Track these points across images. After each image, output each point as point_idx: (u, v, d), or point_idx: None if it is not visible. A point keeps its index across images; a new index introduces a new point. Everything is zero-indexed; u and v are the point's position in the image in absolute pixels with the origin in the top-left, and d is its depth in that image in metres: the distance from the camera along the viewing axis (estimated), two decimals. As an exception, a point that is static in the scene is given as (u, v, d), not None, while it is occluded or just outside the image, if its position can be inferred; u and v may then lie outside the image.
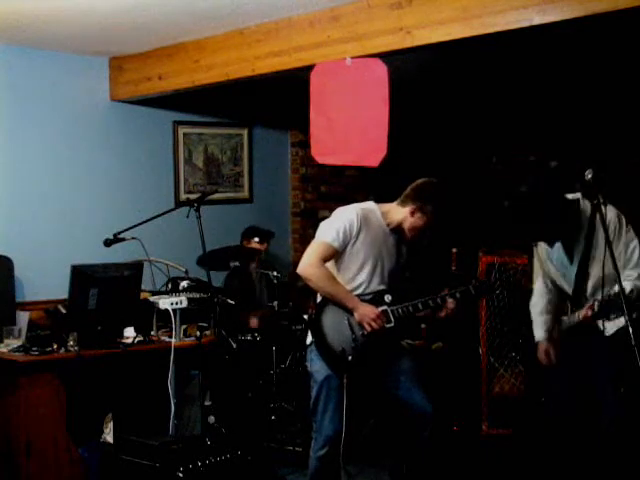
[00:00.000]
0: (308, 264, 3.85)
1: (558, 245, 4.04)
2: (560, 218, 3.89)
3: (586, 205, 3.91)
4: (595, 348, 4.00)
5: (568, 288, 4.06)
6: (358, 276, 3.93)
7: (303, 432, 5.16)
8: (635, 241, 3.89)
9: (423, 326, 6.39)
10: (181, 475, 4.08)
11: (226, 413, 5.06)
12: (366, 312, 3.88)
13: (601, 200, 3.47)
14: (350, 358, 3.85)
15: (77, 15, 4.86)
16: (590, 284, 3.93)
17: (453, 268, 4.15)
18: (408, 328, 4.11)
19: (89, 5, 4.66)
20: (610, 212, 3.82)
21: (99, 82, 6.14)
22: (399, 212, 3.97)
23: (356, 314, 3.88)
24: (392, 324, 3.93)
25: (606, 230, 3.44)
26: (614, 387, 3.95)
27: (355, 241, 3.89)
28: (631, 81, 6.01)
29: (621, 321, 3.78)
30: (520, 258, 5.47)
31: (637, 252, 3.87)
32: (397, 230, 3.98)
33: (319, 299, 3.99)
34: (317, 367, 3.95)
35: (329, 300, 3.92)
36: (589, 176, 3.44)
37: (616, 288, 3.50)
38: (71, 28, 5.20)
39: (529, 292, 4.44)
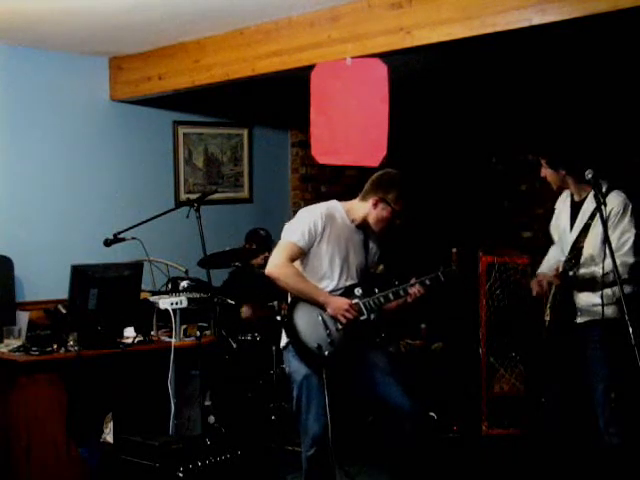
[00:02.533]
0: (275, 264, 3.85)
1: (567, 208, 4.16)
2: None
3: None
4: (590, 348, 4.01)
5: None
6: (326, 274, 3.93)
7: (303, 432, 5.16)
8: (630, 233, 3.93)
9: (423, 326, 6.40)
10: (181, 475, 4.07)
11: (226, 413, 5.06)
12: (338, 304, 3.86)
13: (601, 200, 3.49)
14: (327, 353, 3.83)
15: (77, 15, 4.86)
16: (582, 257, 4.00)
17: (453, 268, 4.13)
18: (381, 321, 4.10)
19: (89, 5, 4.66)
20: (618, 198, 3.93)
21: (99, 82, 6.14)
22: (362, 207, 3.96)
23: (329, 308, 3.86)
24: (365, 316, 3.92)
25: (605, 224, 3.48)
26: (607, 388, 3.97)
27: (320, 240, 3.88)
28: (631, 81, 6.02)
29: (611, 310, 3.84)
30: (520, 258, 5.47)
31: (629, 243, 3.91)
32: (363, 226, 3.99)
33: (289, 299, 3.98)
34: (295, 367, 3.93)
35: (300, 299, 3.91)
36: (589, 176, 3.47)
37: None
38: (71, 28, 5.20)
39: (529, 292, 4.45)
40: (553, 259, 4.29)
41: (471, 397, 5.53)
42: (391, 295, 3.96)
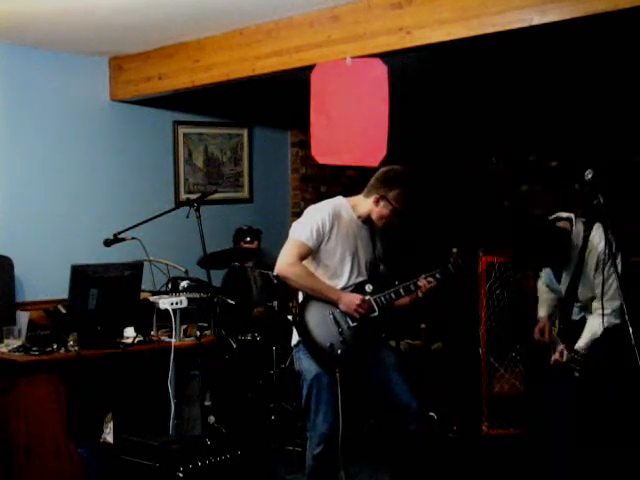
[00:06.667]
0: (285, 263, 3.85)
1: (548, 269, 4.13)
2: (548, 250, 3.97)
3: (579, 228, 3.93)
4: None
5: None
6: (336, 271, 3.93)
7: (303, 432, 5.16)
8: (614, 276, 3.76)
9: (423, 326, 6.40)
10: (181, 475, 4.07)
11: (226, 413, 5.06)
12: (351, 300, 3.86)
13: (601, 200, 3.48)
14: (339, 352, 3.82)
15: (77, 15, 4.87)
16: (577, 306, 4.00)
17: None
18: (392, 319, 4.11)
19: (89, 5, 4.66)
20: (600, 239, 3.83)
21: (99, 82, 6.15)
22: (366, 203, 3.96)
23: (341, 304, 3.87)
24: (376, 313, 3.92)
25: (611, 247, 3.48)
26: (606, 388, 3.96)
27: (329, 238, 3.88)
28: (631, 81, 6.01)
29: (610, 321, 3.83)
30: (520, 258, 5.46)
31: (614, 286, 3.81)
32: (368, 221, 3.98)
33: (300, 298, 3.98)
34: (306, 366, 3.93)
35: (311, 297, 3.91)
36: (589, 176, 3.45)
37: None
38: (71, 28, 5.21)
39: (529, 292, 4.45)
40: (547, 296, 4.23)
41: (471, 397, 5.53)
42: (402, 290, 3.95)
